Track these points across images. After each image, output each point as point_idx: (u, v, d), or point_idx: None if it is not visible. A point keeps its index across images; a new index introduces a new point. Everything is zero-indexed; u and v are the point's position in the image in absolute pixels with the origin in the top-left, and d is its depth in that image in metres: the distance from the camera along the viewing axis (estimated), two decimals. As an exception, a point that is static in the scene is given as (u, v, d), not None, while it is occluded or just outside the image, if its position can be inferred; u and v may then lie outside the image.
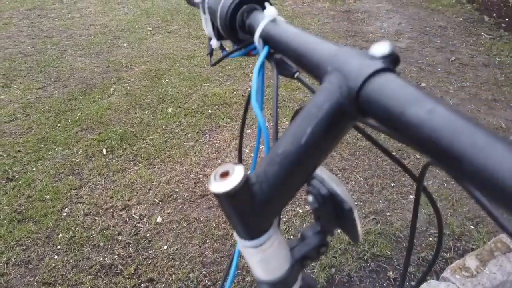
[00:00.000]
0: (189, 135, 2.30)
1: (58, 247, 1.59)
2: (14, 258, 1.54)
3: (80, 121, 2.42)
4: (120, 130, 2.33)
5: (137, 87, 2.80)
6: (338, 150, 2.18)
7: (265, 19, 0.40)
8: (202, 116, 2.46)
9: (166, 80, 2.90)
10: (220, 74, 3.00)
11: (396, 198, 1.86)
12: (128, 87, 2.80)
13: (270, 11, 0.41)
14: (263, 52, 0.40)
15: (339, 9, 4.29)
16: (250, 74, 2.99)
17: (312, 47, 0.33)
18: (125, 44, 3.53)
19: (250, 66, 3.13)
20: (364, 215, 1.76)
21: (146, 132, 2.32)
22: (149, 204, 1.81)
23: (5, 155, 2.13)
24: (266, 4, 0.43)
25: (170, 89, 2.77)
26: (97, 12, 4.43)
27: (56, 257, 1.55)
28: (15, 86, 2.85)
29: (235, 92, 2.73)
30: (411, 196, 1.85)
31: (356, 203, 1.83)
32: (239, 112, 2.51)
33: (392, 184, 1.94)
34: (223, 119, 2.44)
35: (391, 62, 0.27)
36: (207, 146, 2.21)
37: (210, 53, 0.57)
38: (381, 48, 0.27)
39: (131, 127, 2.36)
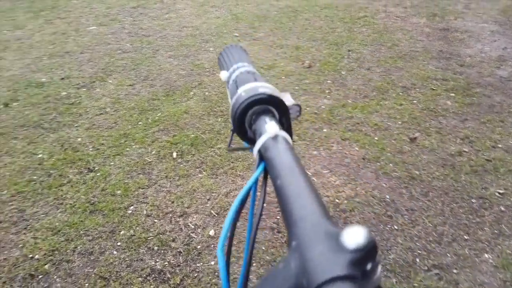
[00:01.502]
0: (256, 148, 2.31)
1: (119, 243, 1.71)
2: (80, 247, 1.69)
3: (158, 122, 2.57)
4: (192, 135, 2.43)
5: (215, 93, 2.90)
6: (409, 187, 2.02)
7: (265, 135, 0.37)
8: (271, 131, 2.46)
9: (243, 89, 2.95)
10: (296, 87, 2.96)
11: (467, 254, 1.66)
12: (207, 93, 2.91)
13: (271, 128, 0.38)
14: (258, 171, 0.37)
15: (436, 26, 3.97)
16: (327, 91, 2.92)
17: (292, 197, 0.30)
18: (211, 49, 3.67)
19: (328, 81, 3.05)
20: (426, 268, 1.60)
21: (215, 140, 2.38)
22: (206, 215, 1.86)
23: (90, 147, 2.35)
24: (267, 120, 0.40)
25: (245, 99, 2.81)
26: (192, 14, 4.68)
27: (115, 252, 1.67)
28: (110, 81, 3.13)
29: (308, 109, 2.68)
30: (486, 255, 1.64)
31: (419, 252, 1.68)
32: (309, 131, 2.46)
33: (465, 237, 1.74)
34: (291, 136, 2.41)
35: (363, 259, 0.22)
36: (271, 162, 2.20)
37: (232, 132, 0.55)
38: (355, 237, 0.22)
39: (202, 133, 2.45)
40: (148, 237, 1.74)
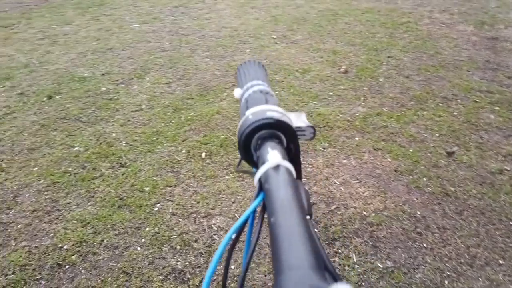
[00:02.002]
0: (284, 153, 2.29)
1: (143, 240, 1.75)
2: (107, 241, 1.74)
3: (190, 121, 2.61)
4: (222, 136, 2.44)
5: (247, 95, 2.90)
6: (442, 203, 1.93)
7: (266, 165, 0.36)
8: (302, 136, 2.42)
9: (276, 92, 2.93)
10: (330, 93, 2.91)
11: (501, 280, 1.56)
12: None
13: (273, 157, 0.36)
14: (256, 201, 0.36)
15: (484, 34, 3.77)
16: (362, 98, 2.84)
17: (284, 241, 0.28)
18: (247, 50, 3.68)
19: (364, 88, 2.97)
20: (454, 291, 1.52)
21: (244, 143, 2.38)
22: (229, 218, 1.87)
23: (124, 142, 2.42)
24: (269, 149, 0.38)
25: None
26: (231, 15, 4.72)
27: (139, 249, 1.71)
28: (147, 79, 3.22)
29: (340, 116, 2.62)
30: (522, 283, 1.53)
31: (448, 273, 1.60)
32: (340, 138, 2.40)
33: (500, 262, 1.63)
34: (321, 142, 2.37)
35: None
36: (298, 169, 2.17)
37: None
38: None
39: (232, 134, 2.46)
40: (172, 235, 1.77)
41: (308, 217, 0.39)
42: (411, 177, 2.11)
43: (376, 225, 1.82)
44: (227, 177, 2.13)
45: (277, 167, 0.35)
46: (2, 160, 2.27)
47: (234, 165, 2.20)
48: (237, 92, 0.52)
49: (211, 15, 4.75)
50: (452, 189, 2.02)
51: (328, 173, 2.14)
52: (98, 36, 4.21)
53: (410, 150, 2.30)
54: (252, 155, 0.41)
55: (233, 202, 1.96)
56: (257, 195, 0.36)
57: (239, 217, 1.69)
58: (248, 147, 0.41)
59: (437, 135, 2.43)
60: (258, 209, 0.37)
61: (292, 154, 0.42)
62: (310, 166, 2.19)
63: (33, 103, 2.88)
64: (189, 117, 2.66)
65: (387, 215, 1.87)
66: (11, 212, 1.91)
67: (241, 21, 4.47)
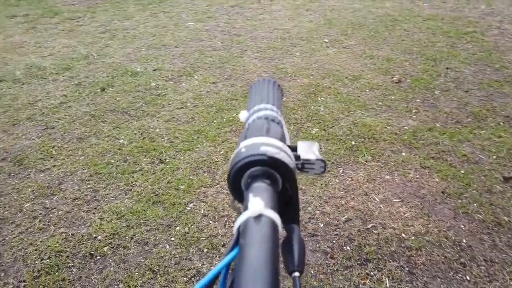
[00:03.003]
0: (324, 163, 2.21)
1: (172, 238, 1.77)
2: (138, 236, 1.78)
3: (232, 122, 2.61)
4: (261, 140, 2.41)
5: (292, 99, 2.84)
6: (492, 234, 1.76)
7: (246, 213, 0.31)
8: (343, 146, 2.33)
9: (322, 98, 2.85)
10: (379, 103, 2.77)
11: (555, 329, 1.39)
12: (284, 98, 2.87)
13: (254, 205, 0.31)
14: (231, 255, 0.31)
15: (562, 49, 3.41)
16: (414, 111, 2.68)
17: None
18: (297, 53, 3.62)
19: (417, 100, 2.80)
20: (496, 334, 1.37)
21: (284, 149, 2.33)
22: (259, 225, 1.83)
23: (166, 139, 2.47)
24: (251, 196, 0.33)
25: (322, 109, 2.71)
26: (285, 17, 4.67)
27: (167, 247, 1.73)
28: (196, 77, 3.26)
29: (388, 128, 2.48)
30: None
31: (491, 313, 1.45)
32: (385, 152, 2.28)
33: (555, 308, 1.45)
34: (364, 155, 2.25)
35: None
36: (336, 180, 2.09)
37: None
38: None
39: (272, 139, 2.42)
40: (201, 237, 1.77)
41: (297, 274, 0.34)
42: (460, 201, 1.94)
43: (415, 249, 1.70)
44: (262, 182, 2.09)
45: (258, 218, 0.31)
46: (53, 147, 2.41)
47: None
48: (243, 115, 0.48)
49: (265, 16, 4.74)
50: (506, 218, 1.83)
51: (368, 189, 2.03)
52: (154, 32, 4.35)
53: (462, 172, 2.12)
54: (243, 192, 0.37)
55: (265, 209, 1.92)
56: (232, 247, 0.31)
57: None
58: (238, 184, 0.37)
59: (494, 157, 2.23)
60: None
61: (288, 195, 0.38)
62: (350, 179, 2.10)
63: (87, 94, 3.02)
64: (231, 118, 2.66)
65: (429, 240, 1.74)
66: (54, 198, 2.01)
67: (294, 23, 4.41)
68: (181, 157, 2.29)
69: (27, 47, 4.01)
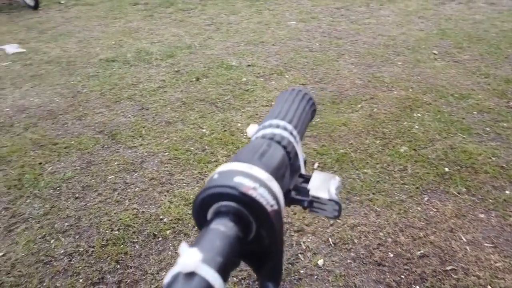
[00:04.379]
0: (407, 186, 1.99)
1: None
2: (199, 226, 1.80)
3: (313, 127, 2.50)
4: (341, 150, 2.27)
5: (383, 112, 2.63)
6: None
7: (176, 267, 0.24)
8: (434, 172, 2.07)
9: (419, 114, 2.58)
10: (487, 128, 2.42)
11: None
12: (375, 109, 2.67)
13: (187, 258, 0.24)
14: None
15: None
16: (530, 144, 2.27)
17: None
18: (399, 63, 3.34)
19: (537, 132, 2.37)
20: None
21: (363, 163, 2.17)
22: (322, 241, 1.72)
23: (245, 135, 2.47)
24: (185, 245, 0.25)
25: (417, 127, 2.46)
26: (393, 23, 4.37)
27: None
28: (286, 76, 3.22)
29: (493, 159, 2.15)
30: None
31: None
32: (484, 187, 1.97)
33: None
34: (457, 186, 1.98)
35: None
36: (418, 208, 1.86)
37: None
38: None
39: (353, 151, 2.26)
40: (259, 240, 1.72)
41: None
42: None
43: (501, 308, 1.43)
44: (334, 195, 1.96)
45: (190, 276, 0.23)
46: (144, 127, 2.58)
47: (345, 185, 2.02)
48: (251, 129, 0.40)
49: (371, 20, 4.49)
50: None
51: (455, 225, 1.77)
52: (255, 28, 4.41)
53: None
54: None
55: (331, 225, 1.79)
56: None
57: (333, 243, 1.53)
58: (205, 215, 0.30)
59: None
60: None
61: (265, 244, 0.29)
62: (434, 210, 1.86)
63: (183, 82, 3.18)
64: (313, 122, 2.55)
65: (522, 301, 1.45)
66: (134, 175, 2.14)
67: (402, 31, 4.10)
68: (256, 155, 2.27)
69: (141, 33, 4.38)
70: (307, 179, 0.40)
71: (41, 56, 3.79)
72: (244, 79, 3.19)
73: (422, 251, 1.65)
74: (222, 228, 0.27)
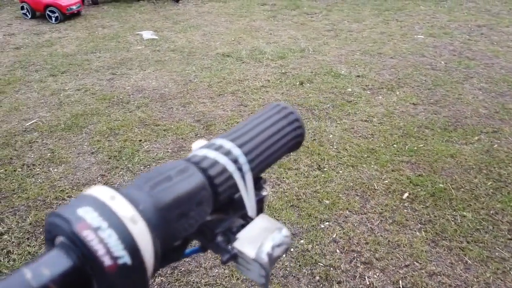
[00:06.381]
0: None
1: (292, 250, 1.66)
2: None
3: (413, 153, 2.23)
4: (440, 185, 1.97)
5: (506, 150, 2.21)
6: None
7: None
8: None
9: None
10: None
11: None
12: (496, 145, 2.26)
13: None
14: None
15: None
16: None
17: None
18: (542, 95, 2.78)
19: None
20: None
21: (465, 205, 1.84)
22: (390, 281, 1.51)
23: (334, 147, 2.33)
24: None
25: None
26: (546, 47, 3.67)
27: (283, 257, 1.63)
28: (397, 93, 2.95)
29: None
30: None
31: None
32: None
33: None
34: None
35: None
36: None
37: None
38: None
39: (455, 188, 1.95)
40: (319, 262, 1.59)
41: None
42: None
43: None
44: (417, 233, 1.72)
45: None
46: (236, 123, 2.62)
47: (434, 225, 1.74)
48: (195, 145, 0.33)
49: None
50: None
51: None
52: (377, 38, 4.16)
53: None
54: None
55: (406, 266, 1.57)
56: None
57: (403, 285, 1.33)
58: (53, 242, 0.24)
59: None
60: None
61: None
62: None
63: (286, 84, 3.16)
64: (415, 147, 2.28)
65: None
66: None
67: (557, 58, 3.41)
68: (340, 171, 2.12)
69: (261, 32, 4.50)
70: (244, 223, 0.32)
71: (168, 44, 4.18)
72: (349, 89, 3.03)
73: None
74: (61, 256, 0.21)
